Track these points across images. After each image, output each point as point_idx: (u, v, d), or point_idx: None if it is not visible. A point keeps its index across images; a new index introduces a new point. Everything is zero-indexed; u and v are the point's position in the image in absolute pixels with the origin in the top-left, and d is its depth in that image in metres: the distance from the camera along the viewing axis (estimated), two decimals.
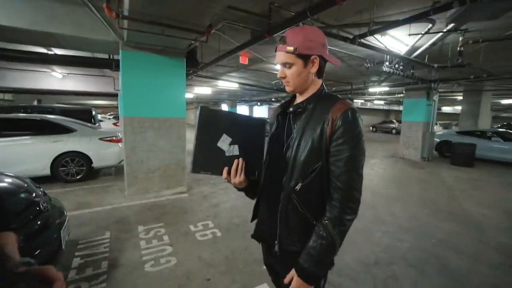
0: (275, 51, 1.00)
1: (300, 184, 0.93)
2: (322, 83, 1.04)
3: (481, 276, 2.43)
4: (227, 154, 0.98)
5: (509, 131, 8.90)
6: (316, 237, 0.91)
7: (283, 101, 1.22)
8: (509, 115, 27.97)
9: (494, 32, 4.55)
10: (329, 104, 0.95)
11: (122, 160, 4.73)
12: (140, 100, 4.15)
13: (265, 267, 1.19)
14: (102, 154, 5.26)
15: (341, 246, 0.92)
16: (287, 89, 1.01)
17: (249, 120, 1.02)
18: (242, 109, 34.73)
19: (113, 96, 10.27)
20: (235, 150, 0.99)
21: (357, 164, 0.90)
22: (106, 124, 12.36)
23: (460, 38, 4.38)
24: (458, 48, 4.43)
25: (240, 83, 9.93)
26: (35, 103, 12.62)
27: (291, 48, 0.93)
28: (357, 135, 0.90)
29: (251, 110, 34.18)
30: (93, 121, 7.84)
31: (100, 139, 5.27)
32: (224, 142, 0.97)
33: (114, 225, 3.29)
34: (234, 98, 22.39)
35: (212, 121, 0.96)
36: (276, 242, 1.00)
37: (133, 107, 4.13)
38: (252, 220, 1.17)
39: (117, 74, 7.52)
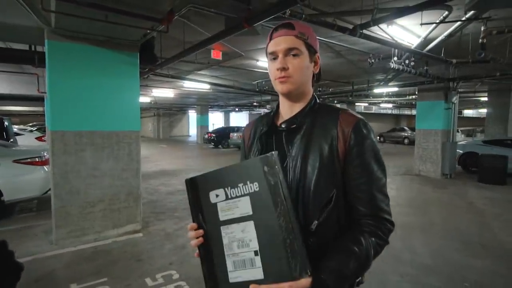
0: (271, 38, 1.01)
1: (315, 223, 0.93)
2: (313, 93, 1.09)
3: None
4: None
5: None
6: (347, 252, 0.88)
7: (262, 113, 1.21)
8: None
9: None
10: (332, 116, 0.99)
11: (49, 190, 4.48)
12: (75, 108, 4.00)
13: None
14: (18, 183, 4.97)
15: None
16: (284, 87, 0.99)
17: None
18: (216, 116, 34.78)
19: (37, 100, 9.88)
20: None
21: (382, 184, 0.97)
22: (27, 138, 11.74)
23: (482, 28, 4.63)
24: (480, 40, 4.67)
25: (212, 84, 9.92)
26: None
27: (303, 34, 0.98)
28: (376, 151, 0.97)
29: (227, 117, 34.33)
30: (5, 136, 7.51)
31: (15, 161, 4.98)
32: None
33: (33, 286, 3.05)
34: (205, 102, 22.40)
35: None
36: None
37: (65, 117, 3.97)
38: None
39: (43, 71, 7.27)
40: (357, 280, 1.02)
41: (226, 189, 0.87)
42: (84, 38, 3.96)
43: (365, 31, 4.20)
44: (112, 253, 3.79)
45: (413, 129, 18.13)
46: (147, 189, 7.19)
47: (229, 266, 0.85)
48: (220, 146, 19.45)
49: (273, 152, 0.83)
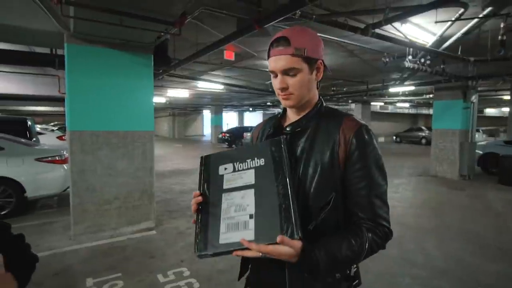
0: (268, 56, 1.01)
1: (313, 223, 0.95)
2: (319, 96, 1.10)
3: None
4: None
5: None
6: (343, 238, 0.92)
7: (271, 115, 1.24)
8: None
9: None
10: (335, 122, 1.01)
11: (68, 188, 4.65)
12: (92, 109, 4.12)
13: None
14: (39, 180, 5.16)
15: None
16: (287, 103, 1.04)
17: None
18: (230, 116, 34.97)
19: (58, 100, 10.17)
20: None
21: (381, 191, 0.97)
22: (48, 137, 12.04)
23: (502, 25, 4.48)
24: (500, 37, 4.53)
25: (225, 84, 9.98)
26: None
27: (299, 50, 0.96)
28: (378, 158, 0.98)
29: (241, 117, 34.44)
30: (28, 135, 7.72)
31: (37, 159, 5.18)
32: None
33: (51, 279, 3.15)
34: (220, 102, 22.53)
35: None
36: None
37: (83, 118, 4.09)
38: (240, 278, 1.16)
39: (63, 73, 7.54)
40: (354, 283, 1.04)
41: (235, 163, 0.95)
42: (100, 41, 4.07)
43: (377, 31, 4.15)
44: (126, 249, 3.89)
45: (431, 129, 17.71)
46: (162, 188, 7.31)
47: (222, 228, 0.87)
48: (234, 145, 19.54)
49: (281, 136, 0.92)
